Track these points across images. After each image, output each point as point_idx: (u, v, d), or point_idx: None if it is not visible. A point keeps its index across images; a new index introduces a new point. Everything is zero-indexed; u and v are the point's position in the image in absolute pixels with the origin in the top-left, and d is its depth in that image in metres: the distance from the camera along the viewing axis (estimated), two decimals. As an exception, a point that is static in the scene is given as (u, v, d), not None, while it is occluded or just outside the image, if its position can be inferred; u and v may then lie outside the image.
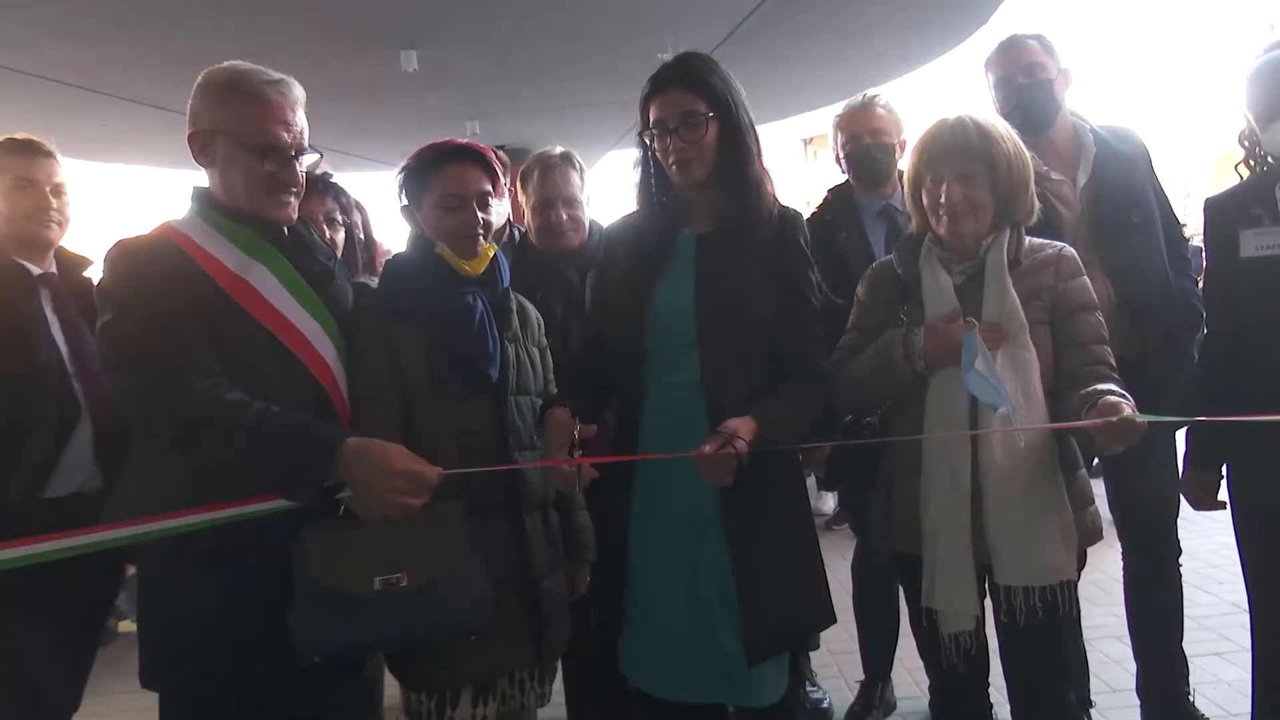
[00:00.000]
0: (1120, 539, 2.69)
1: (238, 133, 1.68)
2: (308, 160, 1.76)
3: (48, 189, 2.22)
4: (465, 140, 1.97)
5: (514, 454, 1.87)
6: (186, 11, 5.43)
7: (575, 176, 2.56)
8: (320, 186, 2.34)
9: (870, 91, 2.85)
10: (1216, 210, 2.18)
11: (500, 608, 1.77)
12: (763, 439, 1.72)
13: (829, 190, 2.89)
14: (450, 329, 1.85)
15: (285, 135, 1.70)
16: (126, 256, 1.66)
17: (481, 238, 1.90)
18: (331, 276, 1.85)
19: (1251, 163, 2.18)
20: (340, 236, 2.40)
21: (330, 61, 6.56)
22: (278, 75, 1.73)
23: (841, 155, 2.80)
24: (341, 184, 2.46)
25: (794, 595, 1.87)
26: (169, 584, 1.67)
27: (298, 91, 1.74)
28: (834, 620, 1.96)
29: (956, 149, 1.89)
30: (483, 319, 1.88)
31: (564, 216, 2.52)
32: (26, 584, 1.78)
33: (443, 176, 1.89)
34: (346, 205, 2.44)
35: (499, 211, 3.16)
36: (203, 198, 1.75)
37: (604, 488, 1.88)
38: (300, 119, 1.73)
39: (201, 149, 1.72)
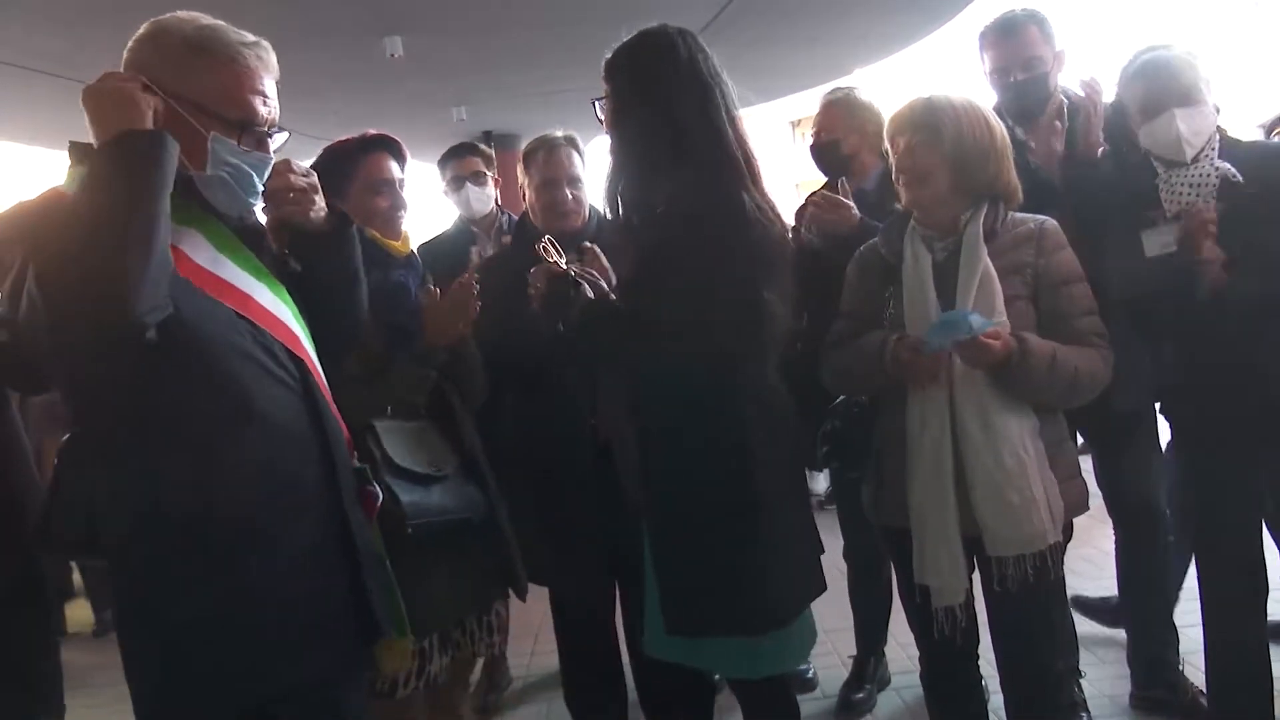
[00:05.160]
0: (1110, 514, 2.72)
1: (206, 102, 1.44)
2: (279, 139, 1.55)
3: None
4: (377, 131, 2.16)
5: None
6: None
7: (578, 158, 2.63)
8: None
9: (836, 85, 2.91)
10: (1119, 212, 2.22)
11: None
12: None
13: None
14: (391, 305, 2.03)
15: (262, 109, 1.49)
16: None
17: (403, 219, 2.13)
18: (263, 234, 1.66)
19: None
20: None
21: (313, 49, 6.50)
22: (252, 36, 1.50)
23: None
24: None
25: (723, 584, 1.86)
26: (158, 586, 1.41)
27: (274, 57, 1.52)
28: (795, 616, 1.96)
29: (904, 120, 1.97)
30: (415, 296, 2.12)
31: (568, 196, 2.57)
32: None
33: (369, 164, 2.10)
34: None
35: (486, 195, 3.38)
36: None
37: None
38: (274, 89, 1.53)
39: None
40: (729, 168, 1.87)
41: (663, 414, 1.93)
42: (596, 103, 2.01)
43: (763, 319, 1.87)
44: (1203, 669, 2.52)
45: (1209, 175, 2.08)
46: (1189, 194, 2.09)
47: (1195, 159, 2.09)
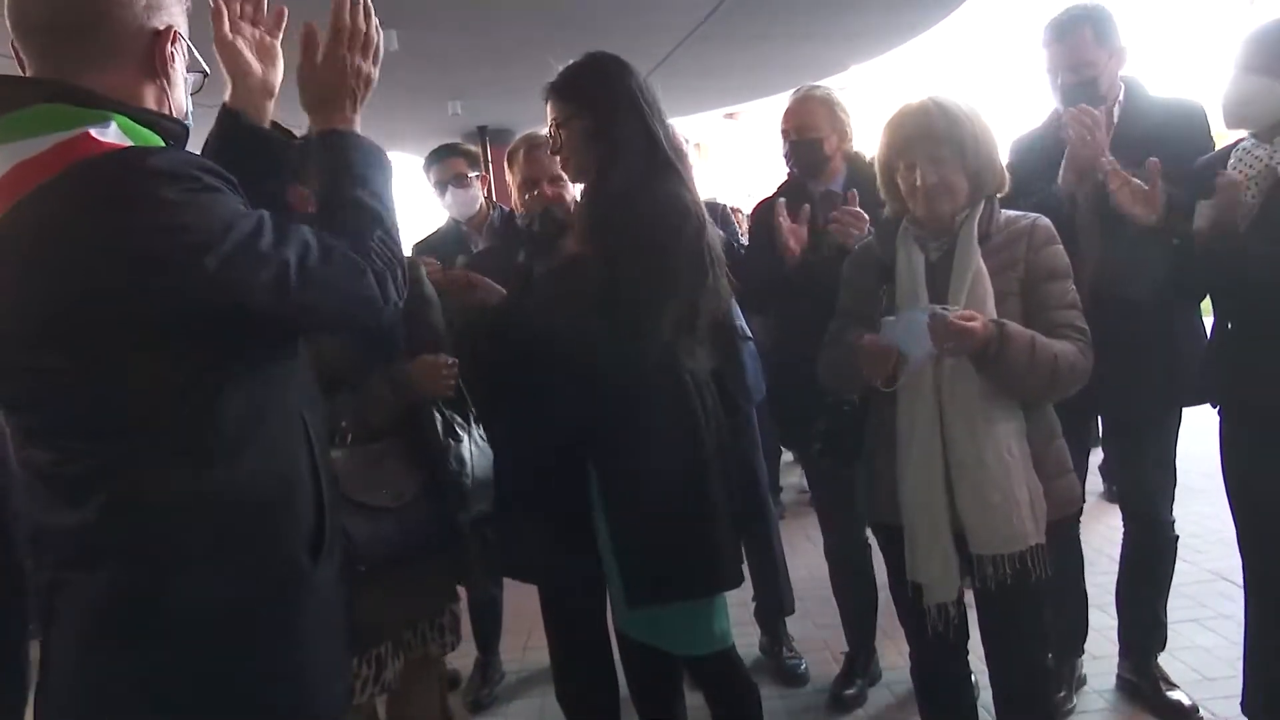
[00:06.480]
0: (1120, 507, 2.75)
1: (186, 33, 1.32)
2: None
3: None
4: None
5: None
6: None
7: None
8: None
9: (813, 84, 2.86)
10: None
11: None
12: None
13: (788, 176, 2.92)
14: None
15: None
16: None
17: None
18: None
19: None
20: None
21: (308, 43, 6.49)
22: None
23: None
24: None
25: (671, 553, 1.99)
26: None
27: None
28: (737, 580, 2.08)
29: (924, 133, 1.92)
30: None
31: (548, 195, 2.55)
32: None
33: None
34: None
35: (470, 198, 3.38)
36: (115, 107, 1.20)
37: None
38: None
39: (171, 57, 1.28)
40: (678, 171, 2.03)
41: (611, 396, 1.99)
42: (555, 126, 2.10)
43: (698, 304, 2.02)
44: (1190, 664, 2.54)
45: (1261, 159, 2.04)
46: (1240, 169, 2.05)
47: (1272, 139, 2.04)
